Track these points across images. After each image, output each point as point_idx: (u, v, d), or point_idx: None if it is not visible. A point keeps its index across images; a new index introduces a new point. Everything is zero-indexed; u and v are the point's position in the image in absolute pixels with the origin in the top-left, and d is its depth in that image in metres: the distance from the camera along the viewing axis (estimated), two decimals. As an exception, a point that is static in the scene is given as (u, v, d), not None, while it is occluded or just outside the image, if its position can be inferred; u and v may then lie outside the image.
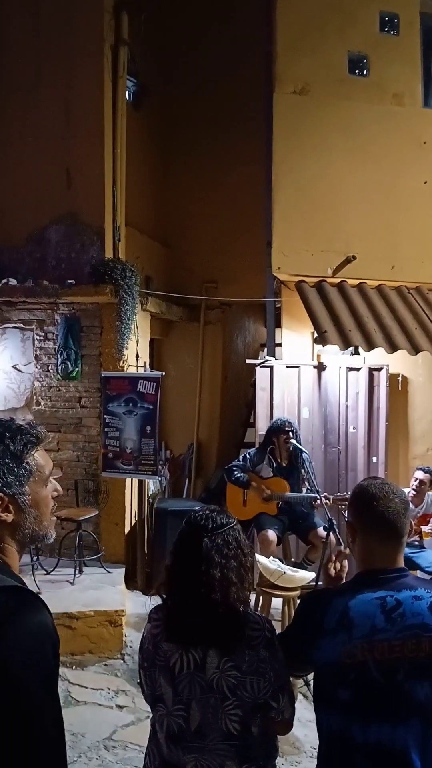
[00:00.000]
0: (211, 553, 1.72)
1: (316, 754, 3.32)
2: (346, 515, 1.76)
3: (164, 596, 1.81)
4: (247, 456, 5.12)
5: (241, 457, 5.20)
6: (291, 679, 1.79)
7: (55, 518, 1.36)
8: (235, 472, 4.98)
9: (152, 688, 1.78)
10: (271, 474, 4.99)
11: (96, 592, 5.08)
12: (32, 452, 1.28)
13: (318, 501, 4.61)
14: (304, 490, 4.94)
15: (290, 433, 4.93)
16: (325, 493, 4.67)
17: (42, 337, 6.01)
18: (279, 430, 4.97)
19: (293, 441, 4.88)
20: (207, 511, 1.82)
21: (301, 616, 1.69)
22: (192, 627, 1.70)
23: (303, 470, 4.87)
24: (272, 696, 1.70)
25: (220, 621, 1.69)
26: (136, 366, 6.15)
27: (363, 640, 1.54)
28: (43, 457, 1.32)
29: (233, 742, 1.67)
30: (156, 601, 1.85)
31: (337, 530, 4.26)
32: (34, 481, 1.27)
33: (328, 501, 4.56)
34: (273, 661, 1.71)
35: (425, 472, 5.14)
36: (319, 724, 1.67)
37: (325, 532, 4.46)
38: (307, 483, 4.90)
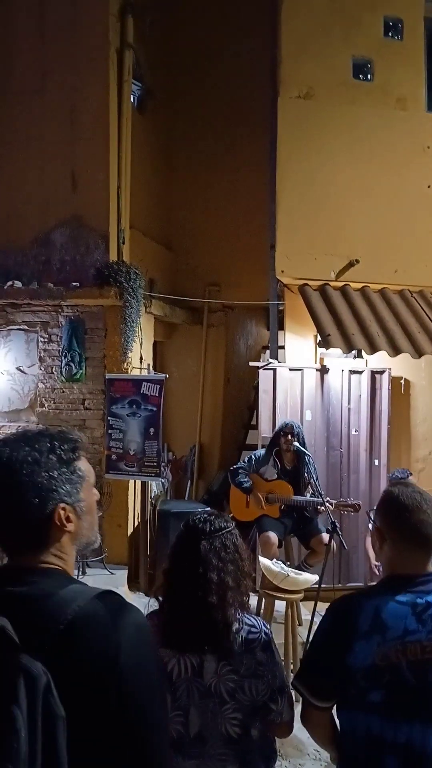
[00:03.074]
0: (208, 556, 1.73)
1: (320, 756, 3.35)
2: (373, 519, 1.76)
3: (161, 599, 1.81)
4: (252, 457, 5.16)
5: (246, 458, 5.24)
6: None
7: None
8: (240, 476, 5.01)
9: None
10: (275, 476, 5.02)
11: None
12: (81, 458, 1.28)
13: (321, 506, 4.62)
14: (308, 494, 4.95)
15: (289, 436, 4.95)
16: (328, 498, 4.69)
17: (46, 339, 6.04)
18: (282, 432, 5.01)
19: (296, 444, 4.90)
20: (205, 515, 1.83)
21: (333, 620, 1.68)
22: (189, 631, 1.70)
23: (306, 474, 4.89)
24: (270, 698, 1.71)
25: (215, 625, 1.69)
26: (140, 368, 6.17)
27: (396, 642, 1.56)
28: (86, 462, 1.31)
29: (233, 746, 1.67)
30: (153, 604, 1.84)
31: (339, 533, 4.27)
32: (86, 487, 1.27)
33: (330, 506, 4.57)
34: (270, 663, 1.72)
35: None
36: (342, 726, 1.66)
37: (328, 537, 4.48)
38: (310, 487, 4.92)
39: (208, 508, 1.94)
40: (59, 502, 1.19)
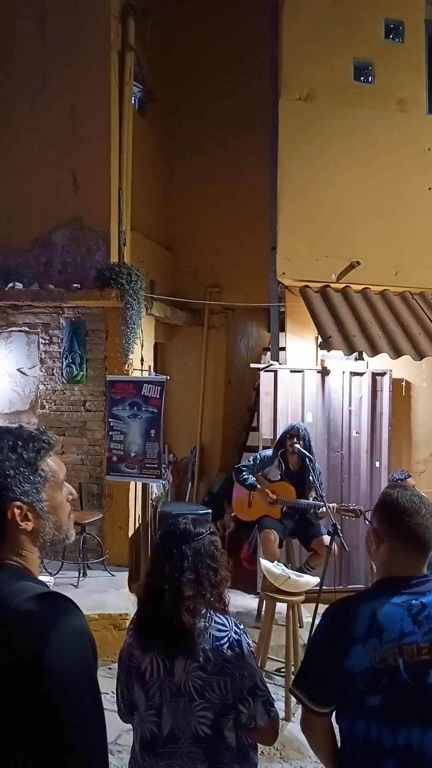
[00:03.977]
0: (181, 560, 1.75)
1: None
2: (369, 521, 1.76)
3: (140, 598, 1.86)
4: (258, 457, 5.18)
5: (251, 458, 5.27)
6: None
7: (73, 518, 1.37)
8: (243, 473, 5.04)
9: (129, 698, 1.80)
10: (279, 477, 5.02)
11: (100, 596, 5.10)
12: (45, 458, 1.29)
13: (322, 510, 4.62)
14: (311, 497, 4.95)
15: (295, 438, 4.95)
16: (331, 504, 4.69)
17: (47, 341, 6.04)
18: (288, 434, 5.02)
19: (297, 446, 4.90)
20: (183, 521, 1.85)
21: (329, 625, 1.68)
22: (154, 632, 1.73)
23: (311, 478, 4.89)
24: (240, 699, 1.71)
25: (176, 627, 1.70)
26: (141, 370, 6.17)
27: (393, 644, 1.56)
28: (56, 462, 1.32)
29: (203, 744, 1.68)
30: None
31: (341, 535, 4.27)
32: (50, 487, 1.28)
33: (332, 510, 4.57)
34: (239, 662, 1.72)
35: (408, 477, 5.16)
36: (340, 730, 1.66)
37: (329, 539, 4.48)
38: (314, 491, 4.92)
39: (201, 512, 1.97)
40: (14, 500, 1.21)
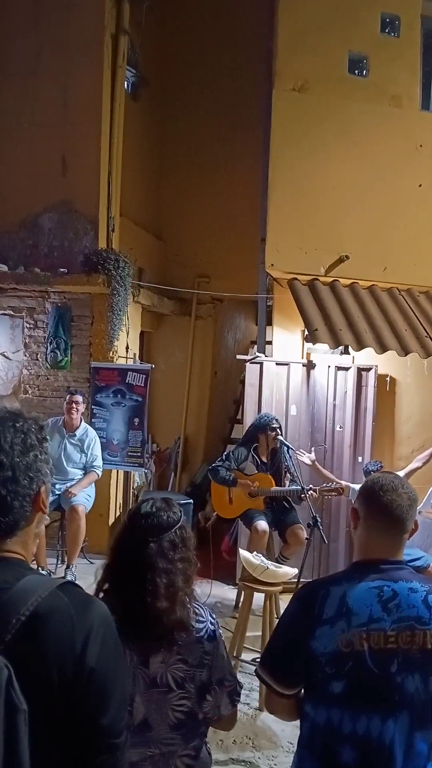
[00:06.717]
0: (156, 560, 1.66)
1: (293, 748, 3.34)
2: (354, 502, 1.77)
3: (103, 592, 1.72)
4: (231, 455, 5.06)
5: (224, 456, 5.13)
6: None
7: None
8: (221, 472, 4.92)
9: None
10: (255, 471, 4.98)
11: (78, 583, 5.06)
12: (48, 439, 1.26)
13: (304, 494, 4.61)
14: (287, 482, 4.93)
15: (279, 430, 4.94)
16: (310, 485, 4.68)
17: (32, 325, 5.98)
18: (266, 428, 4.96)
19: (281, 438, 4.90)
20: (153, 509, 1.73)
21: (299, 606, 1.66)
22: (139, 630, 1.64)
23: (285, 462, 4.87)
24: (207, 689, 1.70)
25: (167, 625, 1.65)
26: (126, 357, 6.13)
27: (360, 629, 1.55)
28: None
29: (181, 730, 1.68)
30: None
31: (321, 528, 4.27)
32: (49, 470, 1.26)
33: (314, 493, 4.56)
34: (214, 653, 1.71)
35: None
36: (303, 714, 1.66)
37: (305, 530, 4.47)
38: (289, 474, 4.90)
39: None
40: (42, 483, 1.17)
